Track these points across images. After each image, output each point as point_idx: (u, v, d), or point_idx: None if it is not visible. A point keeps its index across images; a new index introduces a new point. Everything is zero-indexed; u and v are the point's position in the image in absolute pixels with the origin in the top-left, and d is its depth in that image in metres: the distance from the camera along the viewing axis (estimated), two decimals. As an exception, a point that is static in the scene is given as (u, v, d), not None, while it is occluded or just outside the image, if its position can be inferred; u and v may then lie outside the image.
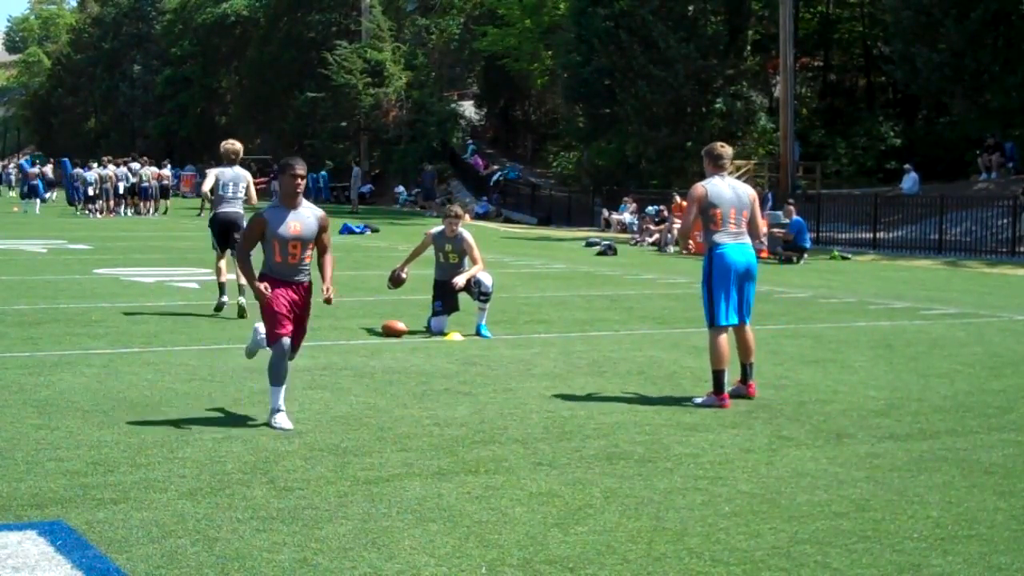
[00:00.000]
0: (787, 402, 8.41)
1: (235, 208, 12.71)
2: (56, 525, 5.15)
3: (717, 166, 8.49)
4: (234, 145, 12.77)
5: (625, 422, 7.58)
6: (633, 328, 12.66)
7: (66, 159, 51.02)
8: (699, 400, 8.31)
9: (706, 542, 5.13)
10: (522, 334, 11.87)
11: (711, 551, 5.00)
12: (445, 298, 11.96)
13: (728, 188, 8.41)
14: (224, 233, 12.85)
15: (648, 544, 5.08)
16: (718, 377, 8.26)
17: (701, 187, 8.38)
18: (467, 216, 42.98)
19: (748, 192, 8.53)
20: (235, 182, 12.66)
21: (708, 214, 8.30)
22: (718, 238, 8.28)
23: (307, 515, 5.38)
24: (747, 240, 8.42)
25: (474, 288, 11.81)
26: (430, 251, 12.44)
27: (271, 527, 5.19)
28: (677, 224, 28.81)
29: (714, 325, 8.33)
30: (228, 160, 12.68)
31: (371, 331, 11.87)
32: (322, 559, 4.78)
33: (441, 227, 12.19)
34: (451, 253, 12.06)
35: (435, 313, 11.99)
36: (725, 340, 8.32)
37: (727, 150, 8.56)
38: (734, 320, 8.40)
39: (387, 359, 10.00)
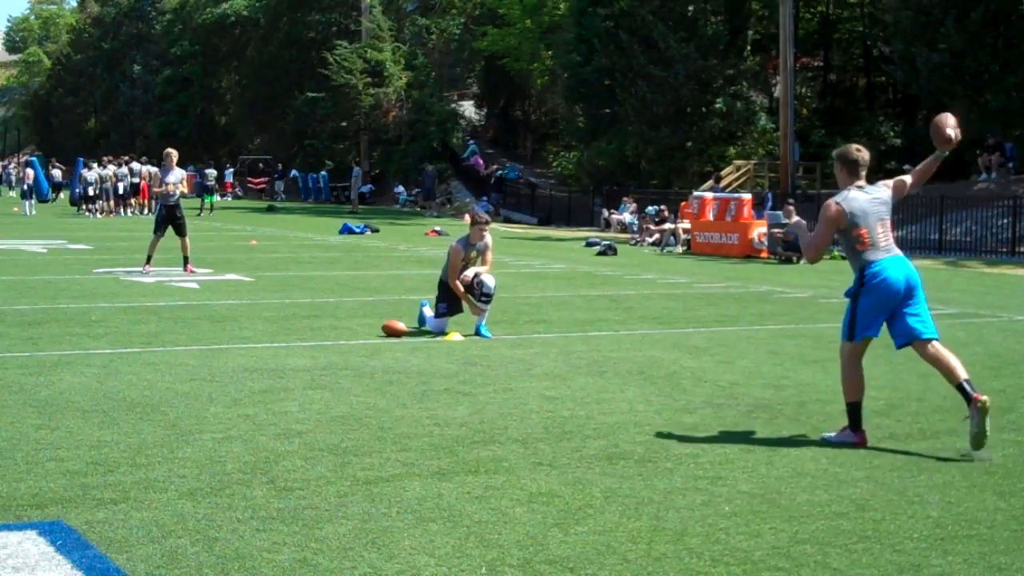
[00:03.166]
0: (787, 402, 8.41)
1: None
2: (56, 525, 5.14)
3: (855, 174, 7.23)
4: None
5: (625, 422, 7.58)
6: (633, 328, 12.66)
7: (80, 159, 51.07)
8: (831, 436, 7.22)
9: (706, 542, 5.13)
10: (522, 334, 11.87)
11: (711, 551, 5.00)
12: (451, 300, 11.94)
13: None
14: None
15: (648, 544, 5.08)
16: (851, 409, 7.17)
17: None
18: (468, 216, 43.03)
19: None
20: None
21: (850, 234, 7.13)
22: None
23: (307, 515, 5.38)
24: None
25: (476, 288, 11.80)
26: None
27: (271, 527, 5.19)
28: (684, 224, 28.82)
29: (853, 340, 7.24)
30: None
31: (372, 331, 11.88)
32: (322, 559, 4.78)
33: (464, 236, 12.13)
34: (475, 258, 12.04)
35: (439, 314, 11.97)
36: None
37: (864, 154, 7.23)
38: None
39: (387, 359, 10.00)
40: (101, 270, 18.32)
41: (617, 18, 38.55)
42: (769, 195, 32.61)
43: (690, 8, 39.02)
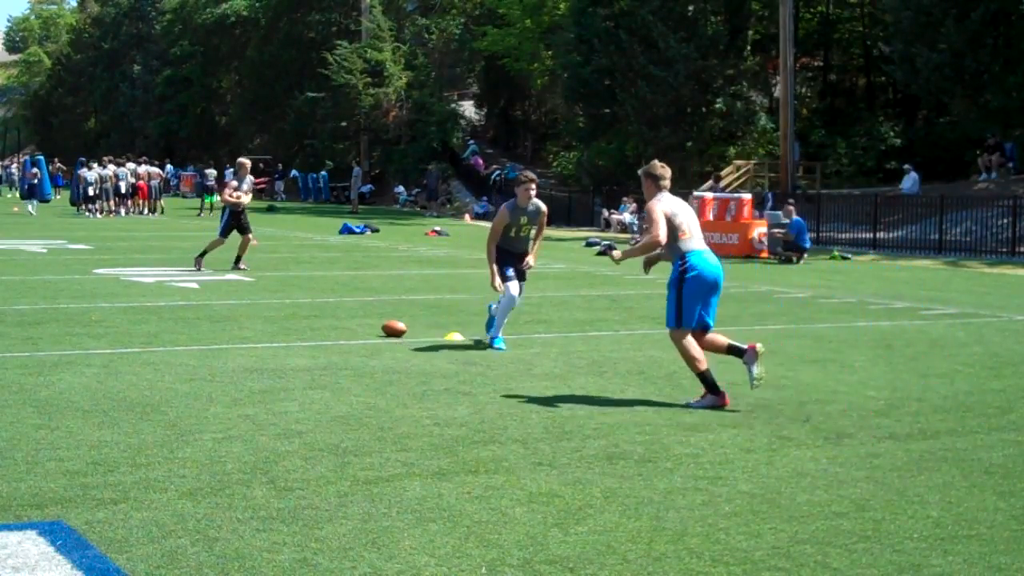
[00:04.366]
0: (787, 402, 8.41)
1: None
2: (56, 525, 5.15)
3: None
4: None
5: (625, 422, 7.58)
6: (633, 328, 12.66)
7: (82, 159, 51.06)
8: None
9: (706, 542, 5.13)
10: (522, 334, 11.87)
11: (711, 551, 5.01)
12: (516, 264, 11.07)
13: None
14: None
15: (648, 544, 5.08)
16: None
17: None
18: (468, 216, 43.09)
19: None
20: None
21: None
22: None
23: (307, 515, 5.38)
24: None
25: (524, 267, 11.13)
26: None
27: (271, 527, 5.19)
28: None
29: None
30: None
31: (372, 331, 11.87)
32: (322, 559, 4.78)
33: (512, 199, 10.97)
34: (525, 225, 10.96)
35: (507, 278, 10.87)
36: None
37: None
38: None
39: (387, 359, 10.00)
40: (101, 270, 18.33)
41: (617, 18, 38.55)
42: (769, 195, 32.61)
43: (690, 8, 39.01)
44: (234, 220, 18.84)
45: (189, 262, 20.18)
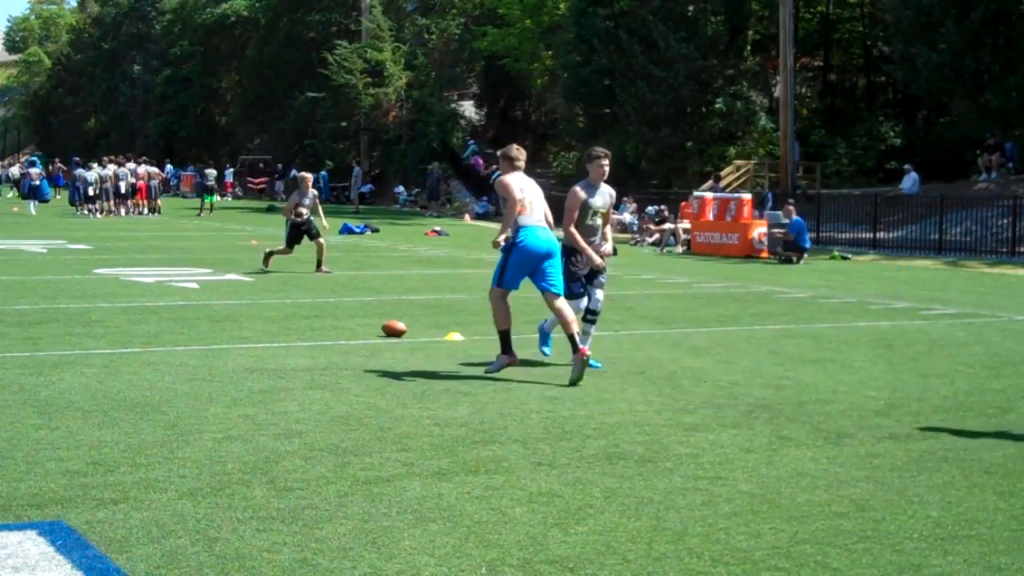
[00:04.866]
0: (787, 402, 8.41)
1: None
2: (56, 525, 5.15)
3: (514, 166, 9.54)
4: None
5: (625, 422, 7.58)
6: (633, 328, 12.66)
7: (76, 159, 51.08)
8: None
9: (706, 542, 5.13)
10: (523, 334, 11.87)
11: (711, 551, 5.01)
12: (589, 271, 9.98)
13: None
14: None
15: (648, 544, 5.08)
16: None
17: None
18: (468, 216, 43.08)
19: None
20: None
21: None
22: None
23: (307, 515, 5.38)
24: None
25: (588, 296, 9.99)
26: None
27: (271, 527, 5.19)
28: (684, 224, 28.83)
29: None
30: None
31: (372, 331, 11.87)
32: (322, 559, 4.78)
33: (584, 179, 10.05)
34: (600, 210, 9.95)
35: (572, 295, 9.78)
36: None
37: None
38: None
39: (387, 359, 10.00)
40: (101, 270, 18.33)
41: (617, 18, 38.54)
42: (769, 195, 32.61)
43: (690, 8, 39.00)
44: (295, 231, 18.73)
45: (189, 262, 20.18)
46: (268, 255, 18.81)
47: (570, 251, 9.77)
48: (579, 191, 9.88)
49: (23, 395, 8.03)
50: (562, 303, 9.26)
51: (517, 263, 9.30)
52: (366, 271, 19.19)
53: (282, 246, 18.92)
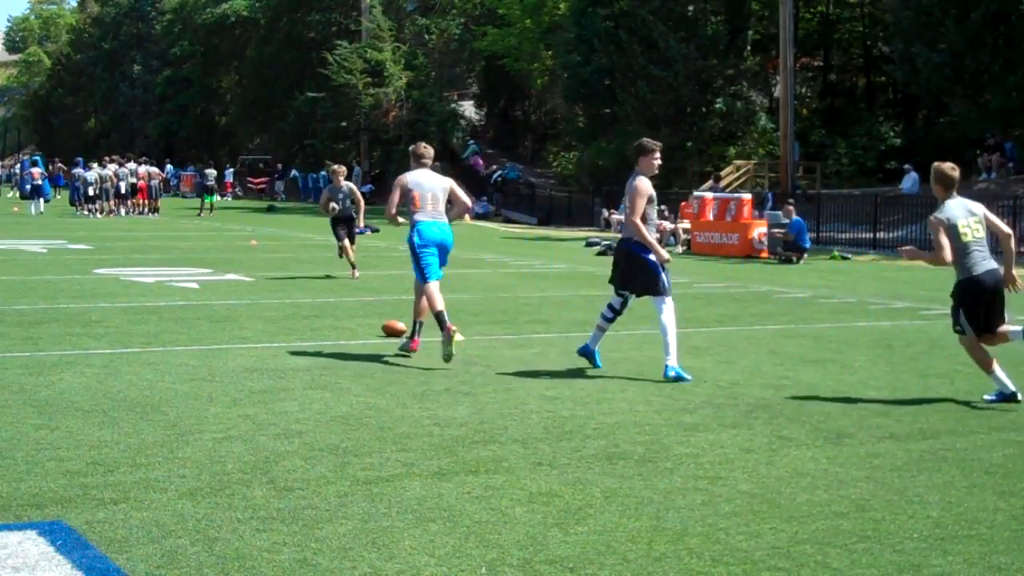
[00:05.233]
0: (787, 402, 8.41)
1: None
2: (56, 525, 5.14)
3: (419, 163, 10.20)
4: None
5: (625, 422, 7.58)
6: (633, 328, 12.66)
7: (80, 159, 51.06)
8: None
9: (706, 542, 5.13)
10: (522, 334, 11.87)
11: (711, 551, 5.00)
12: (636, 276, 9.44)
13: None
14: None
15: (648, 544, 5.08)
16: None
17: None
18: (468, 216, 43.07)
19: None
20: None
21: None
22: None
23: (307, 515, 5.38)
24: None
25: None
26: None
27: (271, 527, 5.19)
28: (684, 224, 28.81)
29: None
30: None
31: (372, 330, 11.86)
32: (322, 559, 4.78)
33: (637, 170, 9.49)
34: (654, 202, 9.45)
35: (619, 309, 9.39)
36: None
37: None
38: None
39: (387, 359, 10.00)
40: (101, 270, 18.33)
41: (617, 18, 38.54)
42: (769, 195, 32.61)
43: (690, 8, 39.00)
44: (335, 225, 18.02)
45: (189, 262, 20.20)
46: (344, 257, 18.14)
47: (641, 246, 9.45)
48: (647, 183, 9.38)
49: (23, 395, 8.03)
50: (433, 287, 9.94)
51: (422, 254, 10.09)
52: (366, 271, 19.17)
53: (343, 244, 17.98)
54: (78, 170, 41.50)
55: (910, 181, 31.70)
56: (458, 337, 11.37)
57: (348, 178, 19.51)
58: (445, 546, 4.99)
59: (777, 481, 6.19)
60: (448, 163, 50.84)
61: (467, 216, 10.53)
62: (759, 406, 8.22)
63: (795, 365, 10.15)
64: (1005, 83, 30.25)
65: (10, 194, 54.81)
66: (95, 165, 41.39)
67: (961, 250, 8.46)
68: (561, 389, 8.72)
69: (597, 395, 8.52)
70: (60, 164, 56.09)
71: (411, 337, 10.31)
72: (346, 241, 17.90)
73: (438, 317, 9.80)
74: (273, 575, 4.61)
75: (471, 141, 52.48)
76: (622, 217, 10.78)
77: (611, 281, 9.97)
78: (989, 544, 5.19)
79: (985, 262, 8.52)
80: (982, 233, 8.60)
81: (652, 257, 9.30)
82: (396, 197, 10.22)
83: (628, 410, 7.99)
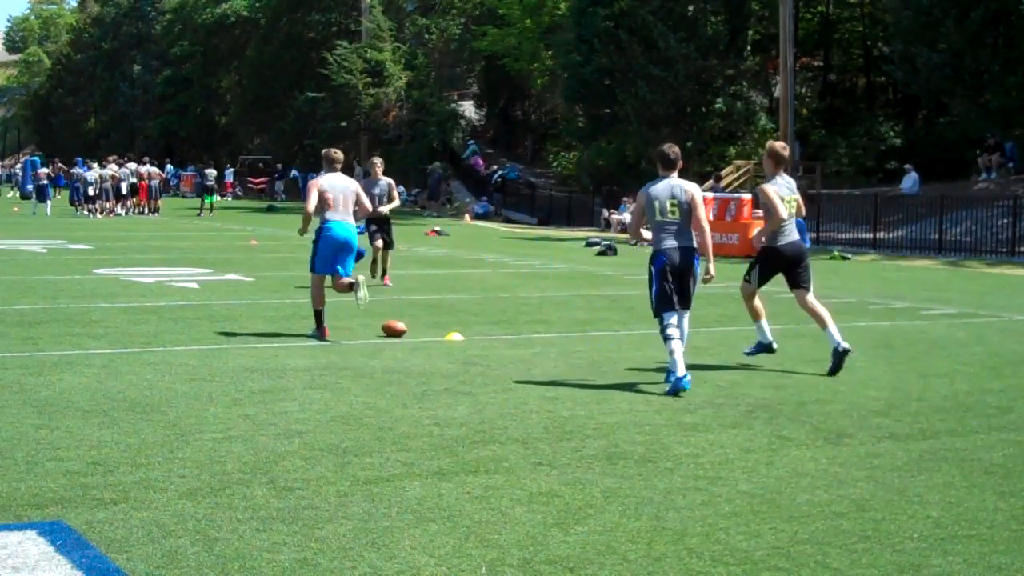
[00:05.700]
0: (787, 402, 8.41)
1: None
2: (56, 525, 5.14)
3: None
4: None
5: (625, 422, 7.58)
6: (633, 328, 12.66)
7: (80, 159, 51.08)
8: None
9: (706, 542, 5.13)
10: (522, 334, 11.87)
11: (711, 551, 5.00)
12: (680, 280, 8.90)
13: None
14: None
15: (648, 544, 5.08)
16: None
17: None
18: (467, 216, 43.09)
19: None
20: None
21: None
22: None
23: (307, 515, 5.38)
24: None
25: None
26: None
27: (271, 527, 5.19)
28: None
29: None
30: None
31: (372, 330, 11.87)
32: (322, 559, 4.78)
33: (659, 180, 9.15)
34: (674, 206, 8.96)
35: (667, 306, 8.74)
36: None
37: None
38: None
39: (387, 359, 10.00)
40: (101, 270, 18.33)
41: (617, 18, 38.54)
42: (769, 195, 32.54)
43: (690, 8, 39.01)
44: (366, 226, 16.08)
45: (189, 262, 20.20)
46: (382, 273, 16.68)
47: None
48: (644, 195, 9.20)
49: (23, 395, 8.03)
50: (319, 280, 11.23)
51: (323, 251, 11.17)
52: (366, 271, 19.18)
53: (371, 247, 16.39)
54: (77, 170, 41.48)
55: (910, 181, 31.71)
56: (457, 337, 11.41)
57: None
58: (445, 546, 4.99)
59: (777, 481, 6.19)
60: (448, 163, 50.91)
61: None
62: (759, 406, 8.22)
63: (795, 365, 10.15)
64: (1005, 83, 30.25)
65: (10, 194, 54.80)
66: (95, 165, 41.38)
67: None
68: (561, 389, 8.72)
69: (597, 395, 8.52)
70: (60, 164, 56.10)
71: (320, 327, 11.19)
72: (380, 242, 16.36)
73: (317, 315, 11.14)
74: (273, 575, 4.61)
75: (471, 141, 52.47)
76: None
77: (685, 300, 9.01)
78: (989, 544, 5.19)
79: (791, 235, 9.98)
80: (793, 210, 10.01)
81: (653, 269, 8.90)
82: (314, 199, 11.18)
83: (628, 410, 7.99)
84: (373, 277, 16.24)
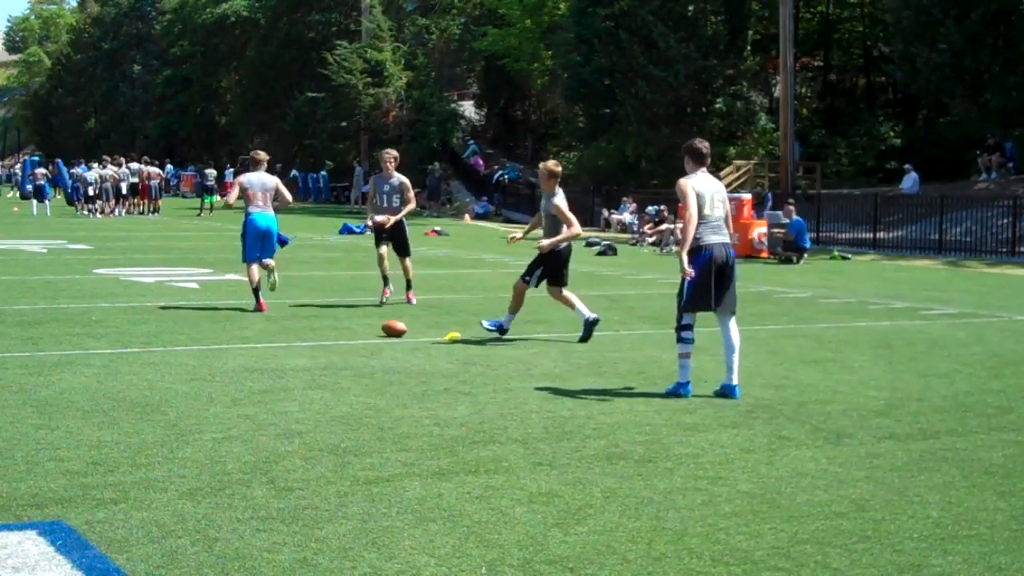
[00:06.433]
0: (787, 402, 8.41)
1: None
2: (56, 525, 5.14)
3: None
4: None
5: (625, 422, 7.58)
6: (633, 328, 12.67)
7: (59, 160, 51.12)
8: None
9: (706, 542, 5.13)
10: (522, 334, 11.87)
11: (711, 551, 5.00)
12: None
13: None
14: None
15: (648, 544, 5.08)
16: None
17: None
18: (467, 216, 43.08)
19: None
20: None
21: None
22: None
23: (307, 515, 5.38)
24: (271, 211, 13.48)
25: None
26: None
27: (271, 527, 5.19)
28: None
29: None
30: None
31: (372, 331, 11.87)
32: (322, 559, 4.78)
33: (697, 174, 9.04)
34: (719, 202, 8.83)
35: (699, 305, 8.87)
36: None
37: None
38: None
39: (387, 359, 10.00)
40: (101, 270, 18.33)
41: (617, 18, 38.52)
42: (769, 195, 32.60)
43: (690, 8, 38.98)
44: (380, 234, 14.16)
45: (189, 262, 20.18)
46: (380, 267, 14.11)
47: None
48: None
49: (23, 395, 8.03)
50: (252, 265, 13.27)
51: (248, 239, 13.30)
52: (366, 271, 19.17)
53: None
54: (76, 170, 41.48)
55: (910, 181, 31.70)
56: (457, 337, 11.42)
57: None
58: (445, 546, 4.99)
59: (777, 481, 6.19)
60: (448, 163, 50.91)
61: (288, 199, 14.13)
62: (759, 406, 8.22)
63: (795, 365, 10.15)
64: (1005, 83, 30.24)
65: (10, 194, 54.80)
66: (95, 165, 41.36)
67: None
68: (561, 389, 8.72)
69: (597, 395, 8.52)
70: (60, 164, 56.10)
71: (259, 302, 13.13)
72: (384, 248, 13.99)
73: (254, 292, 13.17)
74: (273, 575, 4.61)
75: (471, 141, 52.46)
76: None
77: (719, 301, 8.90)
78: (989, 544, 5.19)
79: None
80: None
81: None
82: (236, 192, 13.67)
83: (628, 410, 7.99)
84: (386, 285, 13.99)
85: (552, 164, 11.83)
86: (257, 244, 13.27)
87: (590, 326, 11.35)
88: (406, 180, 14.19)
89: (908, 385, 9.25)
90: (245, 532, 5.11)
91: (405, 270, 14.18)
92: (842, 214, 30.80)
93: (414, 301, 14.10)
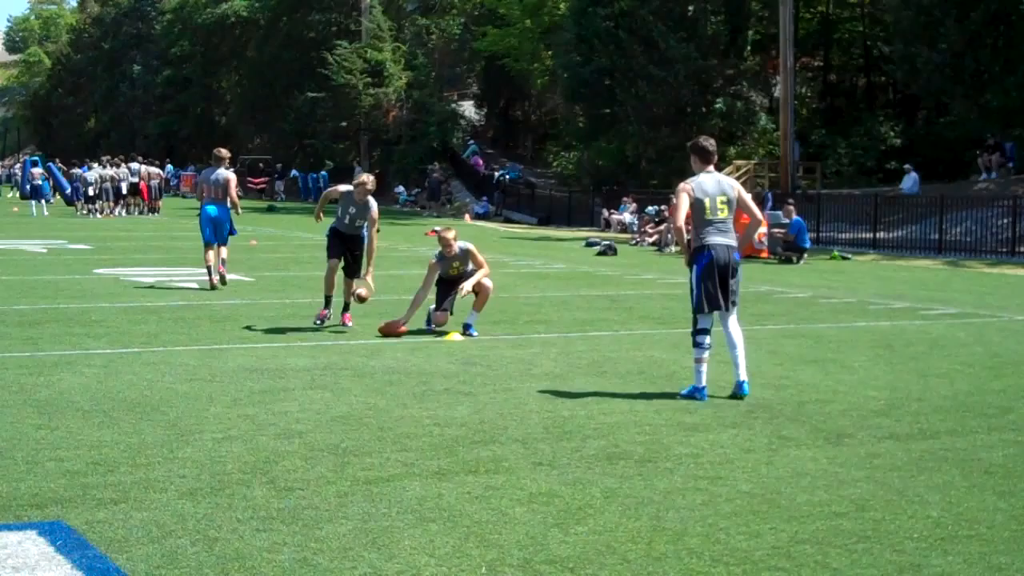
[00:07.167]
0: (787, 402, 8.41)
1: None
2: (56, 525, 5.14)
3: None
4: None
5: (625, 422, 7.58)
6: (633, 328, 12.66)
7: (51, 163, 51.18)
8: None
9: (706, 542, 5.13)
10: (522, 334, 11.87)
11: (711, 551, 5.00)
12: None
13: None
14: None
15: (648, 544, 5.08)
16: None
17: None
18: (467, 216, 43.07)
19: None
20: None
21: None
22: None
23: (307, 515, 5.38)
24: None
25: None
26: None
27: (271, 527, 5.19)
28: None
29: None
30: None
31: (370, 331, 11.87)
32: (322, 559, 4.78)
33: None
34: (723, 203, 8.67)
35: (713, 305, 8.71)
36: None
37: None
38: None
39: (387, 359, 10.00)
40: (101, 270, 18.33)
41: (617, 18, 38.54)
42: (769, 195, 32.60)
43: (690, 8, 39.00)
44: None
45: (188, 262, 20.17)
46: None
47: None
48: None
49: (23, 395, 8.04)
50: (208, 249, 15.52)
51: (203, 225, 15.57)
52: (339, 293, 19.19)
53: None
54: (77, 170, 41.47)
55: (910, 181, 31.70)
56: (457, 337, 11.43)
57: (348, 178, 16.14)
58: (445, 546, 4.99)
59: (777, 481, 6.19)
60: (448, 163, 50.93)
61: (237, 207, 16.04)
62: (759, 406, 8.22)
63: (795, 365, 10.15)
64: (1005, 83, 30.24)
65: (10, 194, 54.80)
66: (95, 165, 41.36)
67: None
68: (561, 389, 8.72)
69: (597, 395, 8.52)
70: (59, 164, 56.09)
71: (210, 276, 15.40)
72: (335, 259, 12.42)
73: (208, 270, 15.39)
74: (273, 575, 4.61)
75: (471, 141, 52.49)
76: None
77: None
78: (989, 544, 5.19)
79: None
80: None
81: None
82: (201, 189, 15.87)
83: (628, 410, 7.99)
84: (326, 306, 12.40)
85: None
86: (212, 229, 15.52)
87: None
88: (376, 213, 12.57)
89: (908, 385, 9.25)
90: (245, 532, 5.11)
91: (347, 291, 12.49)
92: (842, 214, 30.80)
93: (351, 324, 12.31)
